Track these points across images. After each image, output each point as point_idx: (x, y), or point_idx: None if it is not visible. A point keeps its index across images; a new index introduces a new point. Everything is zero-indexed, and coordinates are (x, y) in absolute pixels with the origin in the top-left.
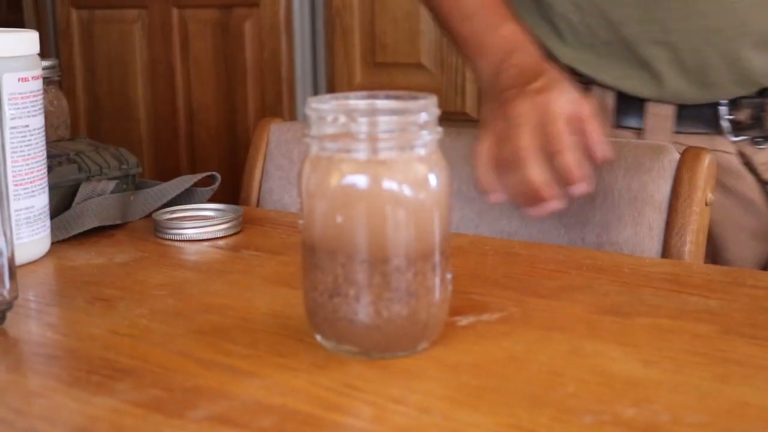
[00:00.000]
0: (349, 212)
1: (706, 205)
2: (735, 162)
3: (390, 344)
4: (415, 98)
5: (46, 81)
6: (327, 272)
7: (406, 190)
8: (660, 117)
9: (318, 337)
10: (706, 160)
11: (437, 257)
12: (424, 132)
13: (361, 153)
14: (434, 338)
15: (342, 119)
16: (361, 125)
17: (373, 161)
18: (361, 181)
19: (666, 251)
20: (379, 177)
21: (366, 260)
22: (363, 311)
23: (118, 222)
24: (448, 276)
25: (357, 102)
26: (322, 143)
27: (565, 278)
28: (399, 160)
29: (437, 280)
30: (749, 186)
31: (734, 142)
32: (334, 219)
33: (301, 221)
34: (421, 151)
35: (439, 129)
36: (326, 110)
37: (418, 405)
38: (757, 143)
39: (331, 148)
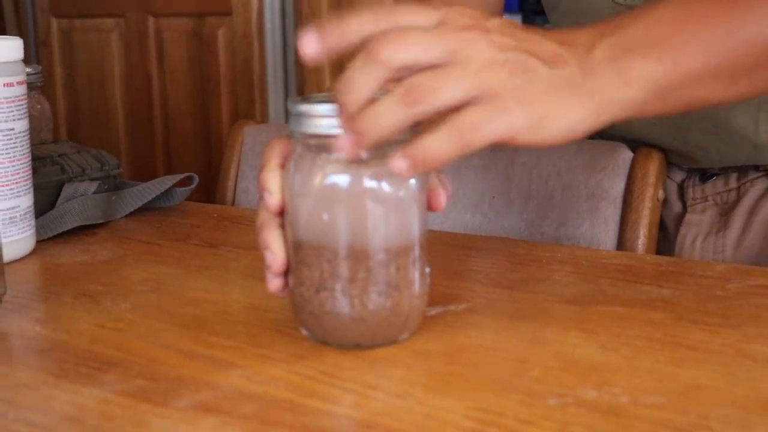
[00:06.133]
0: (333, 210)
1: (658, 201)
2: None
3: (374, 336)
4: None
5: (30, 86)
6: (313, 268)
7: (388, 188)
8: None
9: (304, 331)
10: (657, 160)
11: (417, 251)
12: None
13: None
14: (414, 329)
15: (326, 120)
16: None
17: (355, 160)
18: (344, 180)
19: (621, 244)
20: (362, 176)
21: (351, 256)
22: (348, 305)
23: (101, 221)
24: (427, 269)
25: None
26: (305, 143)
27: (526, 270)
28: (380, 159)
29: (417, 274)
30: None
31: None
32: (319, 217)
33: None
34: None
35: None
36: (310, 111)
37: (393, 391)
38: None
39: (315, 148)
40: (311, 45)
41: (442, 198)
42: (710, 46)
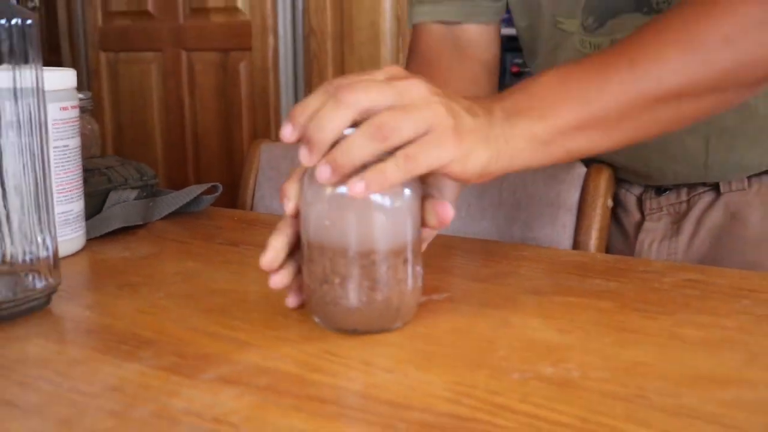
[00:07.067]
0: (334, 217)
1: (607, 208)
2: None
3: (369, 323)
4: None
5: (82, 110)
6: (318, 264)
7: (386, 200)
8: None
9: (315, 319)
10: (607, 173)
11: (408, 254)
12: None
13: None
14: (408, 319)
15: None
16: None
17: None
18: (346, 192)
19: (576, 244)
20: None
21: (347, 256)
22: (346, 296)
23: (140, 223)
24: (418, 269)
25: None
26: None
27: (496, 266)
28: None
29: (409, 273)
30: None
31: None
32: (323, 222)
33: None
34: None
35: None
36: None
37: (383, 367)
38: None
39: None
40: (288, 134)
41: (448, 210)
42: (582, 104)
